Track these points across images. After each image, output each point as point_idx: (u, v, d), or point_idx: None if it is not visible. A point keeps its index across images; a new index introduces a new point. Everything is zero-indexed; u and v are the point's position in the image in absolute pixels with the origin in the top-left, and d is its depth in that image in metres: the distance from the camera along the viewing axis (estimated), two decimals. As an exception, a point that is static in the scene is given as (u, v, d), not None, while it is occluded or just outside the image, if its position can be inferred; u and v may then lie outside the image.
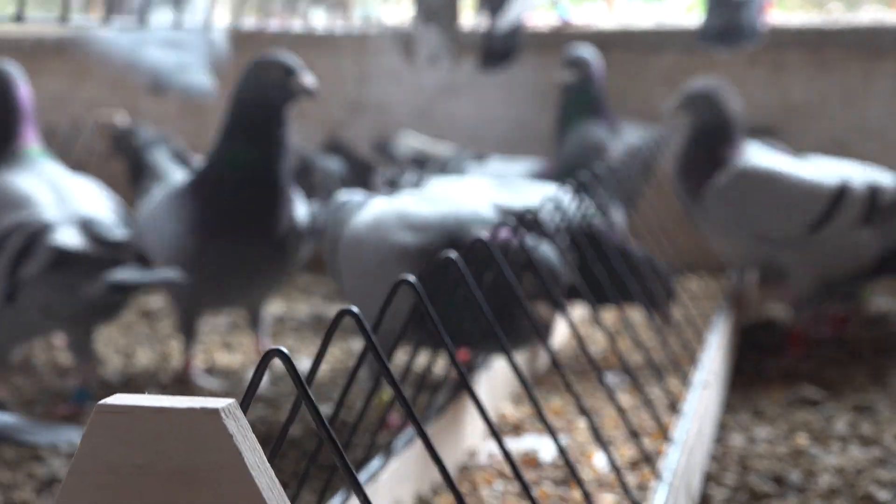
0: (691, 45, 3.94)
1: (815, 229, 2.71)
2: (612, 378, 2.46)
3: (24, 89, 2.62)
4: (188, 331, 2.58)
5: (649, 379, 2.29)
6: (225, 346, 2.92)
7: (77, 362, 2.50)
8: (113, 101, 4.26)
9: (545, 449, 2.13)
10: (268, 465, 0.78)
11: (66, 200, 2.49)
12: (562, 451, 1.45)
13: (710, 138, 2.89)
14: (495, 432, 1.22)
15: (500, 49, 3.73)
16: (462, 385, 1.23)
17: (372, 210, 2.19)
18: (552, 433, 1.43)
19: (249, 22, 3.71)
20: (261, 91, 2.49)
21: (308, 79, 2.49)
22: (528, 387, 1.45)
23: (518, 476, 1.23)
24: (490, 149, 4.16)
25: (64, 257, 2.29)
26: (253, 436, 0.78)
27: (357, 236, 2.15)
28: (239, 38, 3.98)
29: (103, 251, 2.32)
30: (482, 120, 4.18)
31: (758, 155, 2.94)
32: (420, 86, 4.20)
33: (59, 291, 2.32)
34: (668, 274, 2.58)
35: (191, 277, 2.38)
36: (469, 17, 4.31)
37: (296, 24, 3.93)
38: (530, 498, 1.19)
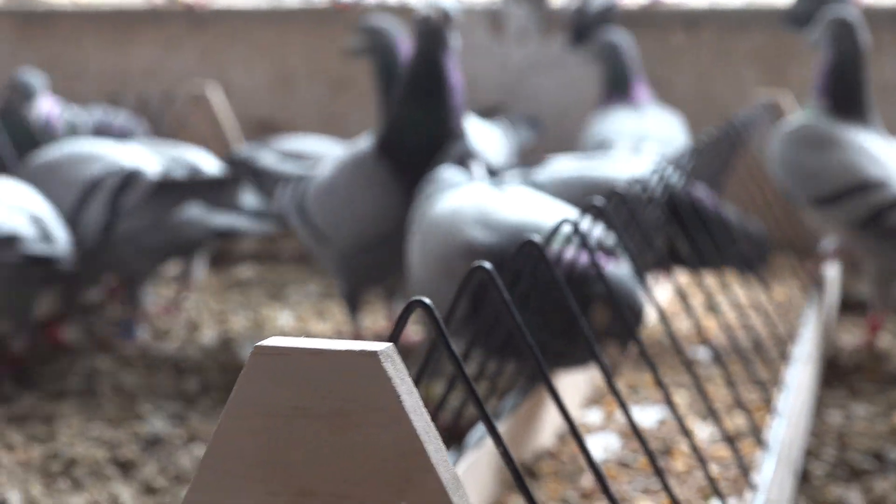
0: (780, 24, 3.90)
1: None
2: (703, 353, 2.45)
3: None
4: (353, 301, 2.56)
5: (743, 354, 2.27)
6: (318, 314, 2.93)
7: (131, 303, 2.66)
8: (203, 71, 4.30)
9: (644, 420, 2.12)
10: (423, 408, 0.78)
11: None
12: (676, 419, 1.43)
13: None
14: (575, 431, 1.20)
15: (592, 26, 3.71)
16: (541, 376, 1.17)
17: (457, 197, 2.10)
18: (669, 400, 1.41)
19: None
20: (421, 40, 2.48)
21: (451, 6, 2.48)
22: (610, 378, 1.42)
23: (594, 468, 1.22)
24: (575, 124, 4.16)
25: (160, 189, 2.49)
26: (409, 379, 0.78)
27: (434, 221, 2.07)
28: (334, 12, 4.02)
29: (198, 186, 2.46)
30: (569, 97, 4.16)
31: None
32: (507, 63, 4.19)
33: (153, 225, 2.46)
34: (762, 237, 2.55)
35: (380, 244, 2.42)
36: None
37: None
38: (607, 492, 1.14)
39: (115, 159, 2.60)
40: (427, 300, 0.93)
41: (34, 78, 2.96)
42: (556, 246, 1.81)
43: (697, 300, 2.61)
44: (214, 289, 3.11)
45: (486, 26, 4.20)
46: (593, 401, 2.20)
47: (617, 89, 3.51)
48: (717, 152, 2.91)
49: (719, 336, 2.34)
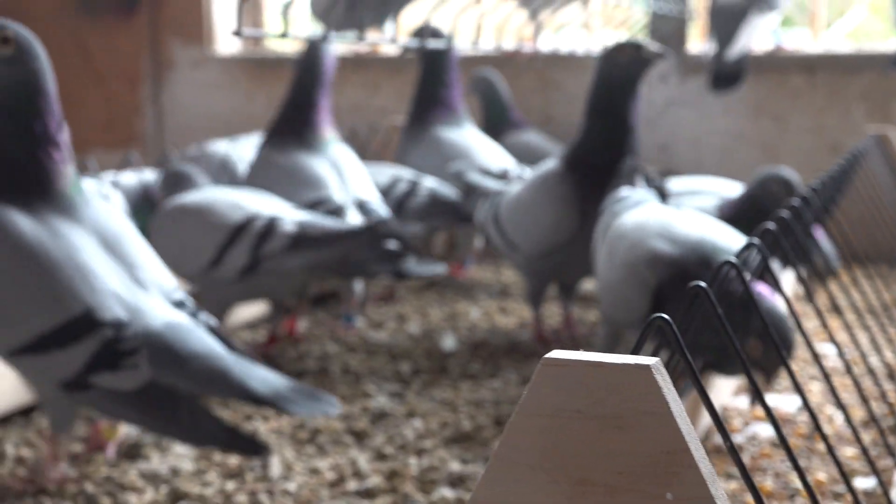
0: (885, 68, 3.77)
1: None
2: (827, 348, 2.38)
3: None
4: (536, 299, 2.53)
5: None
6: (501, 310, 2.91)
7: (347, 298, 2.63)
8: (400, 108, 4.31)
9: (785, 407, 2.06)
10: (686, 415, 0.75)
11: (346, 182, 2.62)
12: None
13: None
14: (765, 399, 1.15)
15: (730, 73, 3.63)
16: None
17: (641, 213, 2.05)
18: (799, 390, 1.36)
19: (508, 43, 3.68)
20: (619, 70, 2.40)
21: (654, 46, 2.41)
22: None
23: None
24: (708, 155, 4.08)
25: (300, 239, 2.28)
26: (674, 389, 0.75)
27: (621, 233, 2.00)
28: (501, 58, 3.99)
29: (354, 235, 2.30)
30: (702, 130, 4.09)
31: None
32: (651, 100, 4.12)
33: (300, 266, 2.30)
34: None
35: (560, 251, 2.40)
36: (695, 43, 4.21)
37: (544, 47, 3.89)
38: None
39: (257, 208, 2.34)
40: (666, 316, 0.90)
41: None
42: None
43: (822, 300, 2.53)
44: (414, 288, 3.11)
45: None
46: (742, 389, 2.15)
47: None
48: (837, 182, 2.81)
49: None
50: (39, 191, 1.67)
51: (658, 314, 0.89)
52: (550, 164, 2.53)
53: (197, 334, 1.66)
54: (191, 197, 2.40)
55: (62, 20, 4.60)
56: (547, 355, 0.76)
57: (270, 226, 2.28)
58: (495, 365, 2.38)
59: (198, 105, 4.67)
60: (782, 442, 0.98)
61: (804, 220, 1.78)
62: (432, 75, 3.27)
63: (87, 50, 4.72)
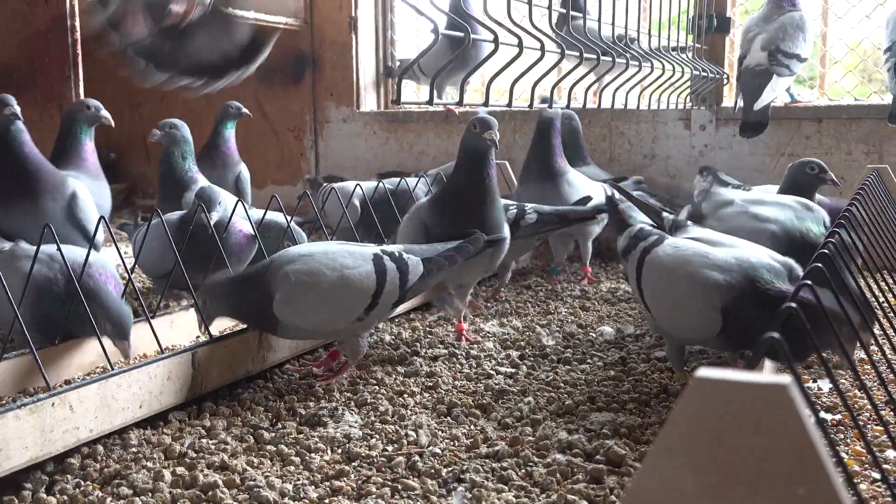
0: (884, 117, 3.59)
1: None
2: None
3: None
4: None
5: None
6: (583, 308, 2.81)
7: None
8: (498, 155, 4.24)
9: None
10: (815, 427, 0.67)
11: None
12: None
13: None
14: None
15: (755, 122, 3.50)
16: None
17: (673, 246, 1.84)
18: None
19: (576, 104, 3.59)
20: (467, 141, 2.24)
21: (492, 134, 2.19)
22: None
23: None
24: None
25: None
26: (804, 402, 0.68)
27: (664, 266, 1.80)
28: (578, 110, 3.89)
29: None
30: (733, 166, 3.94)
31: None
32: (693, 144, 3.99)
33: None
34: None
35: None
36: (727, 100, 4.06)
37: (609, 102, 3.80)
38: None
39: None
40: (776, 335, 0.81)
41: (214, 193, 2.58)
42: (777, 283, 1.65)
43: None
44: (513, 289, 3.03)
45: (680, 122, 4.01)
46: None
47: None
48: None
49: None
50: None
51: (770, 334, 0.81)
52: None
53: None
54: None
55: (247, 87, 4.64)
56: (698, 374, 0.69)
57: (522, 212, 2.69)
58: (584, 352, 2.30)
59: (345, 149, 4.66)
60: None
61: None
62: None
63: (265, 110, 4.75)
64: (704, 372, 0.68)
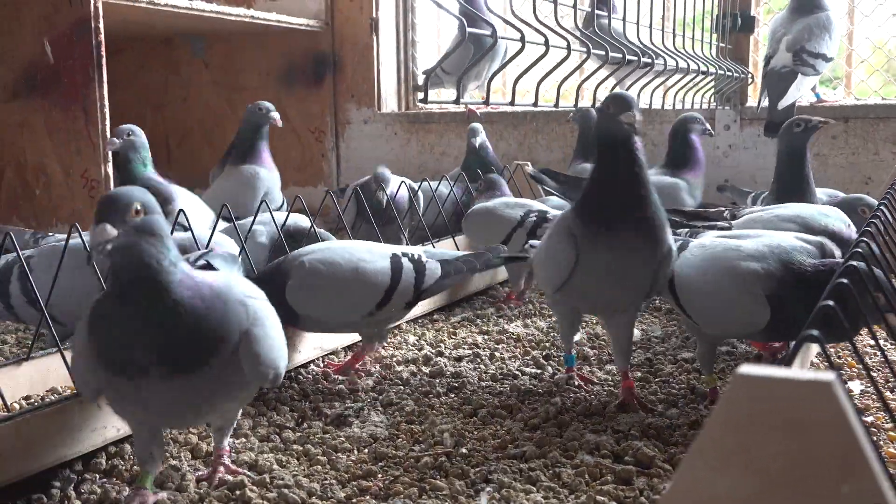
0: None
1: None
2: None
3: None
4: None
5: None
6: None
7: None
8: (521, 156, 4.25)
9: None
10: (860, 423, 0.67)
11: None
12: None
13: None
14: None
15: (779, 122, 3.47)
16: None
17: (699, 246, 1.80)
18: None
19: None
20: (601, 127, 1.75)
21: (630, 116, 1.68)
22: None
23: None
24: (762, 187, 3.90)
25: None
26: (847, 400, 0.67)
27: (699, 266, 1.75)
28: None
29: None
30: (757, 167, 3.92)
31: None
32: (717, 144, 3.97)
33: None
34: None
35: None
36: (751, 100, 4.04)
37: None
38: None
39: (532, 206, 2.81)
40: (816, 332, 0.81)
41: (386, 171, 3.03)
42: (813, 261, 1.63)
43: None
44: (537, 289, 3.03)
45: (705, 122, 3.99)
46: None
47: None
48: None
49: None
50: None
51: (825, 302, 0.80)
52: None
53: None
54: (493, 202, 2.87)
55: (267, 90, 4.66)
56: (740, 371, 0.68)
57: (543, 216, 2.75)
58: (609, 353, 2.29)
59: (366, 151, 4.67)
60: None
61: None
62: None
63: (286, 112, 4.77)
64: (746, 369, 0.68)
